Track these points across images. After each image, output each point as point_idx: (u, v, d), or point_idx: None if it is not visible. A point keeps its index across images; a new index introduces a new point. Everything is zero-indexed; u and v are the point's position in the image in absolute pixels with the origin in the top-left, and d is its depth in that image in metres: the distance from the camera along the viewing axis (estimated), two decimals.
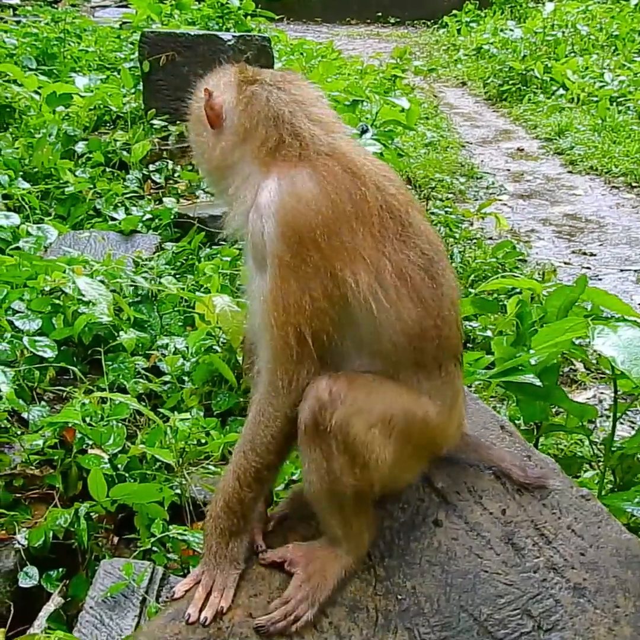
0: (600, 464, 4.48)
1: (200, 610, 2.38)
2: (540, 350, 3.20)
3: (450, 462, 2.72)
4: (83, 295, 4.85)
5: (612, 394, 5.67)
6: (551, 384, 3.35)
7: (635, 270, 7.66)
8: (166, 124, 7.98)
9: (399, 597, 2.43)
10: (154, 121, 8.01)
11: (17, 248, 5.98)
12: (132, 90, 9.00)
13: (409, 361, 2.51)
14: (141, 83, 8.45)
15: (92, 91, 8.85)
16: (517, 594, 2.49)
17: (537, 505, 2.70)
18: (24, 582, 3.52)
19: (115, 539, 3.92)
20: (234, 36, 8.11)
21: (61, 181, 7.32)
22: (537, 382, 3.23)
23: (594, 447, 4.08)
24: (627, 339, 3.00)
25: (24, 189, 6.98)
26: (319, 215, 2.38)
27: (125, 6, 19.20)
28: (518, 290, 6.07)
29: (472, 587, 2.48)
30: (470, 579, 2.49)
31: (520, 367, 3.31)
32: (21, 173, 7.38)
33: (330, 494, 2.41)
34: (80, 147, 7.85)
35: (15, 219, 6.45)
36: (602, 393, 5.71)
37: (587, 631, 2.46)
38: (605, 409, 5.28)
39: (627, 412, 5.02)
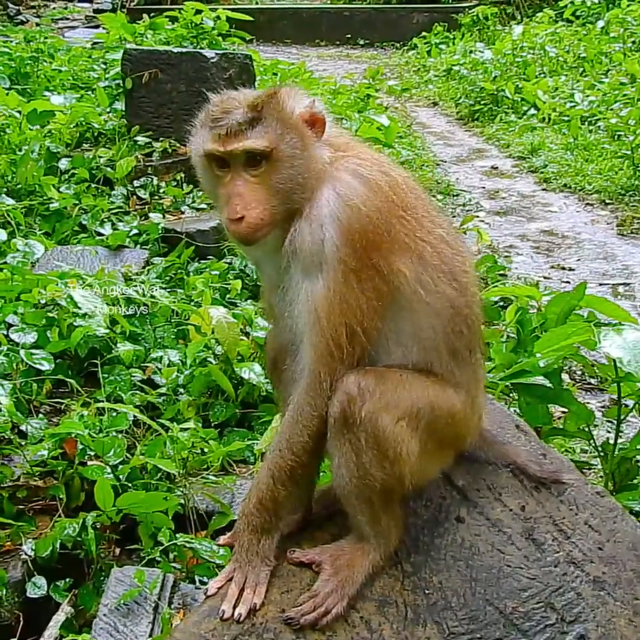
0: (592, 471, 4.57)
1: (234, 607, 2.41)
2: (546, 354, 3.28)
3: (469, 460, 2.78)
4: (79, 308, 4.86)
5: (597, 404, 5.82)
6: (557, 386, 3.44)
7: (612, 284, 7.81)
8: (150, 140, 8.02)
9: (427, 591, 2.48)
10: (138, 138, 8.06)
11: (5, 263, 5.97)
12: (108, 109, 9.04)
13: (444, 348, 2.59)
14: (124, 100, 8.48)
15: (68, 110, 8.87)
16: (540, 588, 2.55)
17: (555, 502, 2.77)
18: (32, 593, 3.53)
19: (117, 551, 3.92)
20: (217, 54, 8.19)
21: (45, 197, 7.33)
22: (548, 384, 3.32)
23: (592, 451, 4.16)
24: (633, 341, 3.09)
25: (8, 205, 6.97)
26: (377, 214, 2.45)
27: (95, 27, 19.27)
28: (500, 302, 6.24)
29: (496, 581, 2.54)
30: (494, 574, 2.55)
31: (528, 370, 3.39)
32: (5, 189, 7.38)
33: (359, 488, 2.45)
34: (63, 163, 7.89)
35: (2, 234, 6.45)
36: (588, 403, 5.81)
37: (608, 623, 2.53)
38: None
39: (612, 421, 5.12)
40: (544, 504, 2.75)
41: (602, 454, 3.91)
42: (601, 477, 4.19)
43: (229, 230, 2.49)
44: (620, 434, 5.21)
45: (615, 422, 3.89)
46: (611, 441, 3.89)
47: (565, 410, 4.08)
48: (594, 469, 4.56)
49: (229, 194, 2.47)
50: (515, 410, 4.18)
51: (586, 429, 3.83)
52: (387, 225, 2.47)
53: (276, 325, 2.78)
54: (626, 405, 4.27)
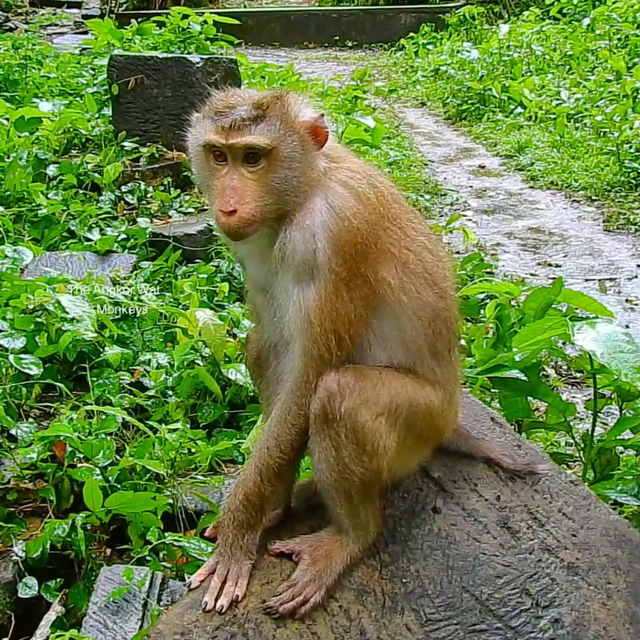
0: (577, 463, 4.64)
1: (216, 599, 2.48)
2: (523, 348, 3.35)
3: (445, 452, 2.85)
4: (67, 313, 4.91)
5: (583, 398, 5.89)
6: (535, 379, 3.51)
7: (598, 280, 7.89)
8: (137, 145, 8.08)
9: (404, 580, 2.55)
10: (125, 143, 8.12)
11: None
12: (96, 115, 9.10)
13: (425, 348, 2.68)
14: (111, 106, 8.54)
15: (57, 116, 8.93)
16: (515, 574, 2.62)
17: (529, 491, 2.84)
18: (24, 593, 3.57)
19: (108, 551, 3.97)
20: (202, 58, 8.26)
21: (34, 204, 7.39)
22: (523, 377, 3.39)
23: (572, 445, 4.22)
24: (606, 334, 3.16)
25: None
26: (366, 226, 2.54)
27: (84, 33, 19.31)
28: (486, 299, 6.30)
29: (472, 569, 2.61)
30: (470, 562, 2.62)
31: (504, 364, 3.46)
32: None
33: (339, 482, 2.53)
34: (51, 170, 7.94)
35: None
36: (573, 397, 5.88)
37: (582, 606, 2.60)
38: (578, 412, 5.44)
39: (598, 414, 5.18)
40: (518, 494, 2.82)
41: (581, 445, 3.97)
42: (588, 469, 4.26)
43: (219, 223, 2.53)
44: (605, 426, 5.29)
45: (600, 410, 3.95)
46: (592, 432, 3.95)
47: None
48: (579, 461, 4.63)
49: (224, 187, 2.51)
50: (497, 405, 4.26)
51: (566, 422, 3.88)
52: (375, 237, 2.57)
53: (260, 325, 2.85)
54: (609, 397, 4.34)
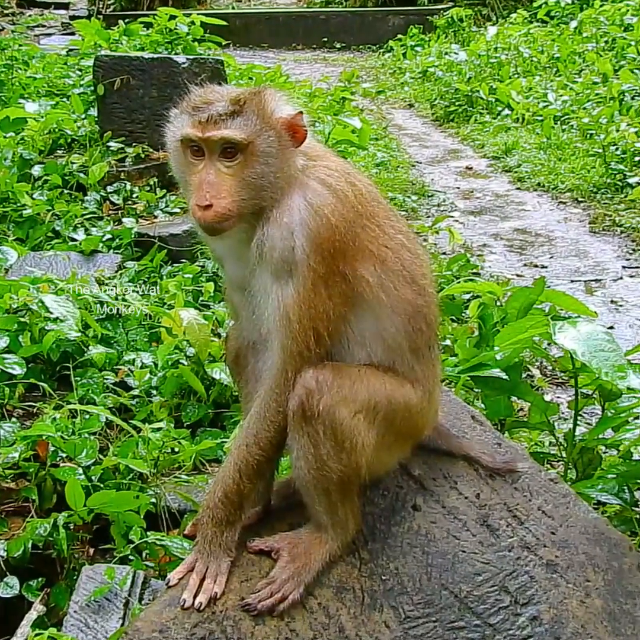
0: (560, 462, 4.66)
1: (195, 596, 2.48)
2: (505, 347, 3.36)
3: (425, 450, 2.86)
4: (50, 313, 4.89)
5: (568, 398, 5.91)
6: (516, 378, 3.52)
7: (584, 281, 7.92)
8: (123, 146, 8.07)
9: (383, 577, 2.56)
10: (111, 143, 8.11)
11: None
12: (83, 116, 9.08)
13: (405, 345, 2.69)
14: (96, 106, 8.52)
15: (43, 117, 8.91)
16: (494, 572, 2.63)
17: (509, 489, 2.86)
18: (5, 592, 3.56)
19: (91, 550, 3.96)
20: (188, 59, 8.26)
21: (19, 204, 7.37)
22: (504, 376, 3.40)
23: (556, 444, 4.23)
24: (586, 333, 3.18)
25: None
26: (344, 224, 2.54)
27: (71, 34, 19.27)
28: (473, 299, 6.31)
29: (452, 566, 2.62)
30: (450, 559, 2.63)
31: (486, 363, 3.47)
32: None
33: (317, 479, 2.53)
34: (36, 170, 7.92)
35: None
36: (558, 397, 5.90)
37: (561, 604, 2.62)
38: (562, 413, 5.46)
39: (582, 414, 5.20)
40: (498, 491, 2.83)
41: (564, 445, 3.99)
42: (570, 468, 4.28)
43: (195, 217, 2.54)
44: (589, 425, 5.30)
45: (580, 409, 3.96)
46: (575, 431, 3.96)
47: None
48: (562, 460, 4.65)
49: (201, 182, 2.52)
50: (481, 404, 4.27)
51: (548, 421, 3.90)
52: (353, 234, 2.58)
53: (238, 323, 2.86)
54: (591, 397, 4.36)
